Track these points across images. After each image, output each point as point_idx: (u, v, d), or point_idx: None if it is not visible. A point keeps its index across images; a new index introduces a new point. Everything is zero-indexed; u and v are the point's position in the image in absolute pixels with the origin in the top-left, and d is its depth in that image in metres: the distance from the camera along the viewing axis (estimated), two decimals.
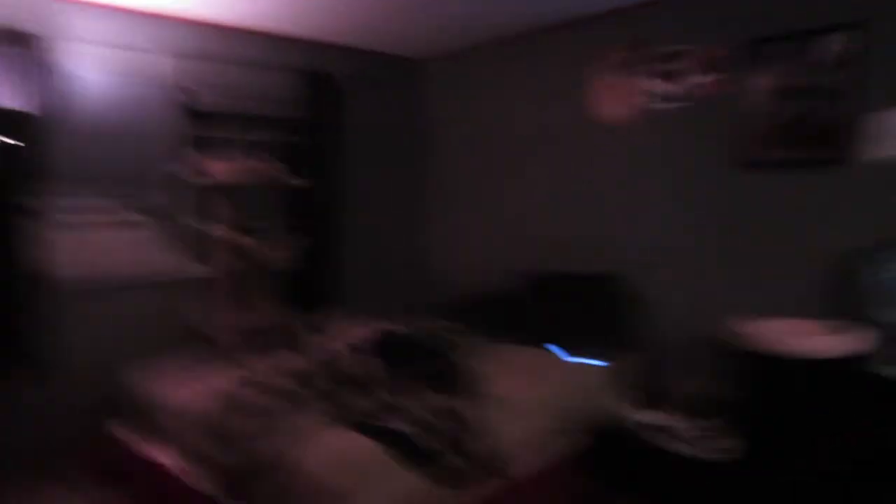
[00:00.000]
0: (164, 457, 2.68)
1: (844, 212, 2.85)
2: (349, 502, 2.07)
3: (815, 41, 2.87)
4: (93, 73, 3.22)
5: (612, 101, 3.53)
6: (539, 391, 2.86)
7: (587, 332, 3.34)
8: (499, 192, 4.18)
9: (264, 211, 3.83)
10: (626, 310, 3.42)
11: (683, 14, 3.26)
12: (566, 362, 3.23)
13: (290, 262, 3.77)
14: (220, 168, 3.58)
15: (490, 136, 4.19)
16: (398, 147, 4.54)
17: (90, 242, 3.25)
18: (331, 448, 2.24)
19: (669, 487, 2.68)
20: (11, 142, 2.94)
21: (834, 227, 2.87)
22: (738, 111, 3.09)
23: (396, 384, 2.67)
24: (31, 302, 3.04)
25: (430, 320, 3.31)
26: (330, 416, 2.44)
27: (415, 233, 4.60)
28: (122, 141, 3.34)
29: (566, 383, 3.00)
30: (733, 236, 3.15)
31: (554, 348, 3.32)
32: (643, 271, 3.42)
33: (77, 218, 3.21)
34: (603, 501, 2.78)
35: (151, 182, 3.44)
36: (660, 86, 3.34)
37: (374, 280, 4.30)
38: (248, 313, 3.58)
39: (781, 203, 3.01)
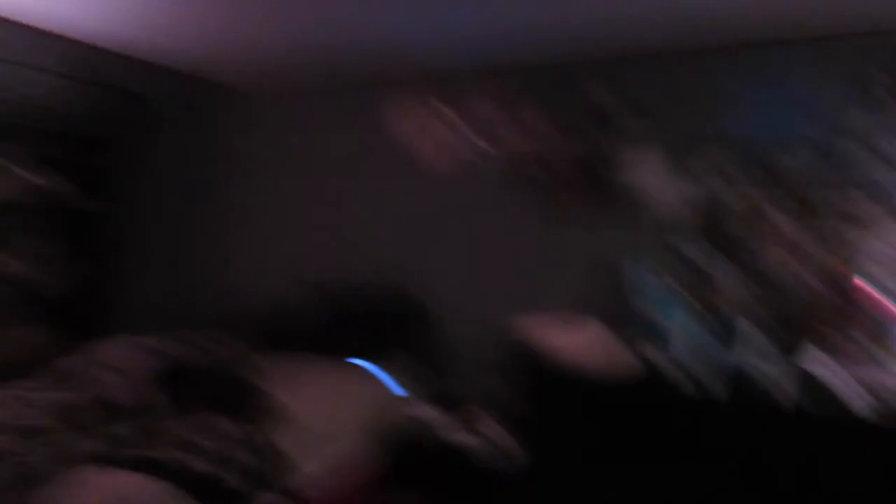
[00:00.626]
0: None
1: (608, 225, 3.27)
2: None
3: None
4: None
5: (429, 145, 3.63)
6: (340, 407, 2.83)
7: (382, 343, 3.43)
8: (301, 217, 4.15)
9: (43, 232, 3.26)
10: (418, 318, 3.57)
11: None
12: (364, 375, 3.23)
13: (65, 286, 3.27)
14: None
15: (301, 175, 4.15)
16: (205, 175, 4.17)
17: None
18: (105, 493, 2.01)
19: (457, 488, 2.85)
20: None
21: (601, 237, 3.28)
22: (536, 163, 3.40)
23: (183, 414, 2.43)
24: None
25: (223, 342, 3.12)
26: (102, 456, 2.15)
27: (213, 256, 4.27)
28: None
29: (366, 396, 3.02)
30: (517, 245, 3.46)
31: (354, 361, 3.33)
32: (432, 280, 3.63)
33: None
34: None
35: None
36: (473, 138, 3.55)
37: (169, 304, 3.90)
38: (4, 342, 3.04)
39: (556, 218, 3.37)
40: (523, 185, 3.40)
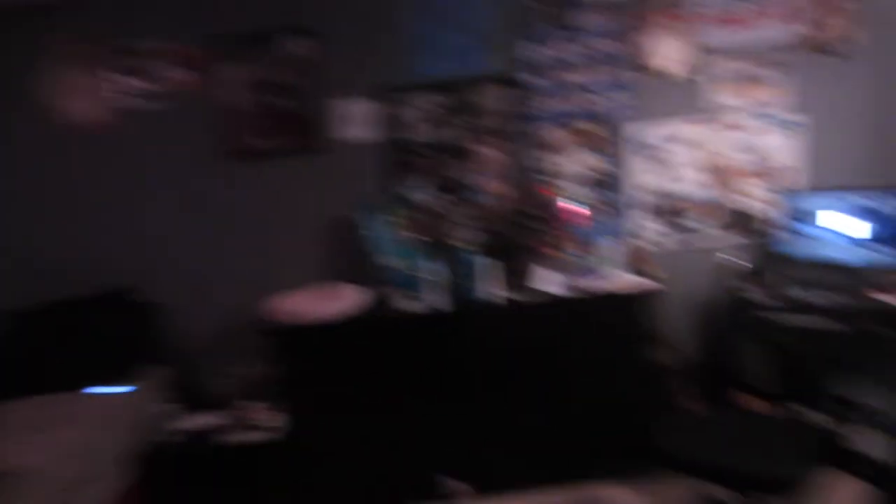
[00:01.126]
0: None
1: (330, 186, 3.26)
2: None
3: (280, 42, 3.18)
4: None
5: (80, 102, 3.20)
6: (89, 444, 2.52)
7: (109, 358, 3.04)
8: None
9: None
10: (147, 321, 3.24)
11: (151, 9, 3.16)
12: (94, 399, 2.88)
13: None
14: None
15: None
16: None
17: None
18: None
19: (227, 481, 2.76)
20: None
21: (326, 200, 3.27)
22: (220, 106, 3.20)
23: None
24: None
25: None
26: None
27: None
28: None
29: (99, 421, 2.72)
30: (242, 223, 3.29)
31: (92, 389, 2.95)
32: (158, 276, 3.30)
33: None
34: None
35: None
36: (135, 84, 3.18)
37: None
38: None
39: (277, 185, 3.27)
40: (225, 147, 3.24)
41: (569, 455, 3.03)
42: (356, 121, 3.23)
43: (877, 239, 2.85)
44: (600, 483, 3.04)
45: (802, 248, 3.07)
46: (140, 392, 2.96)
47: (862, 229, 2.89)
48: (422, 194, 3.23)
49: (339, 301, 2.90)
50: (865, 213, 2.88)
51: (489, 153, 3.24)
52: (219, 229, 3.28)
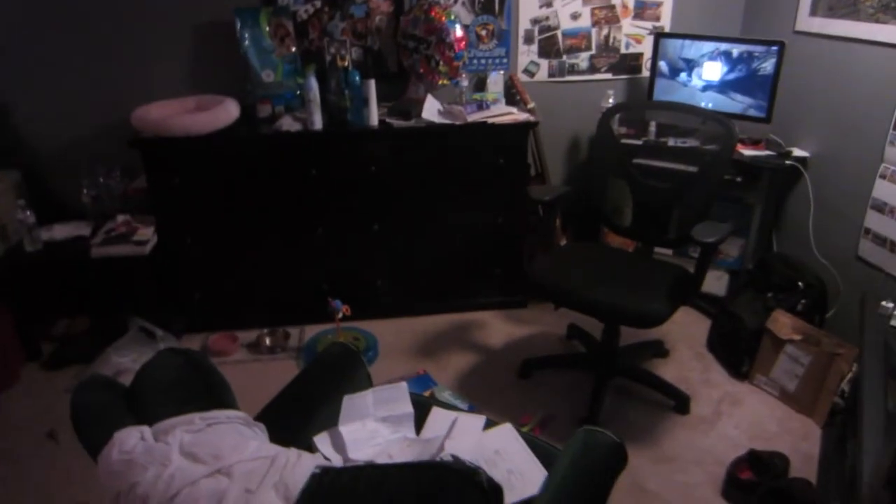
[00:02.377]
0: None
1: None
2: None
3: None
4: None
5: None
6: None
7: None
8: None
9: None
10: None
11: None
12: None
13: None
14: None
15: None
16: None
17: None
18: None
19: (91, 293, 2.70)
20: None
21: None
22: None
23: None
24: None
25: None
26: None
27: None
28: None
29: None
30: (98, 19, 2.95)
31: None
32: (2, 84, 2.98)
33: None
34: None
35: None
36: None
37: None
38: None
39: None
40: None
41: (446, 283, 3.16)
42: None
43: (732, 86, 2.94)
44: (475, 311, 3.22)
45: (670, 91, 3.13)
46: None
47: (719, 75, 2.96)
48: (300, 3, 3.02)
49: (209, 113, 2.76)
50: (726, 61, 2.93)
51: None
52: (72, 23, 2.94)
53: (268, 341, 2.95)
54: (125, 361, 2.68)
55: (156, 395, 1.30)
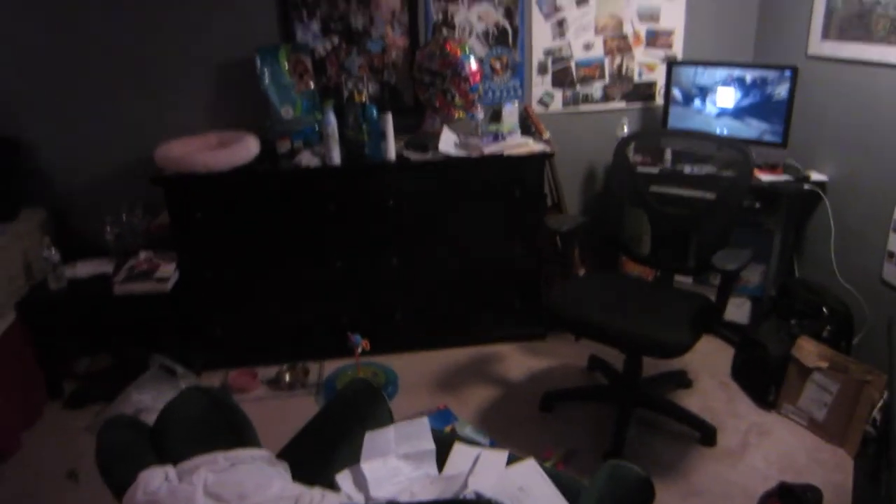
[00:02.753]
0: None
1: (220, 25, 3.03)
2: None
3: None
4: None
5: None
6: None
7: None
8: None
9: None
10: (17, 160, 3.05)
11: None
12: None
13: None
14: None
15: None
16: None
17: None
18: None
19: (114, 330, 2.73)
20: None
21: (216, 40, 3.04)
22: None
23: None
24: None
25: None
26: None
27: None
28: None
29: None
30: (123, 59, 3.02)
31: None
32: (29, 113, 3.04)
33: None
34: None
35: None
36: None
37: None
38: None
39: (159, 19, 2.99)
40: None
41: (465, 315, 3.16)
42: None
43: (747, 111, 2.94)
44: (494, 343, 3.20)
45: (686, 119, 3.14)
46: (16, 234, 2.84)
47: (733, 101, 2.97)
48: (318, 40, 3.08)
49: (230, 150, 2.80)
50: (740, 87, 2.94)
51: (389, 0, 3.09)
52: (96, 65, 3.02)
53: (287, 377, 2.94)
54: (145, 399, 2.69)
55: (180, 433, 1.30)
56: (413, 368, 3.02)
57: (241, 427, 1.42)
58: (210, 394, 1.45)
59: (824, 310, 2.65)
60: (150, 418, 1.38)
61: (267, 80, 2.95)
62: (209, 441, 1.29)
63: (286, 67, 2.98)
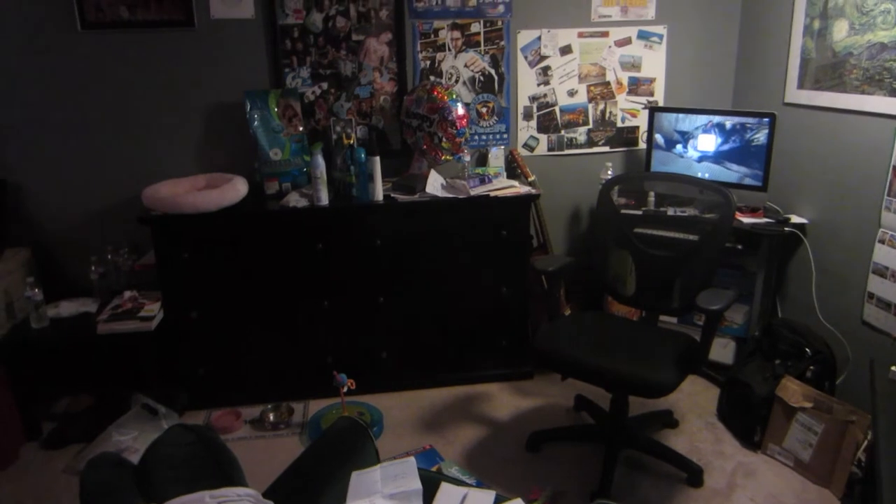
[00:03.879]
0: None
1: (208, 68, 3.09)
2: None
3: None
4: None
5: None
6: None
7: None
8: None
9: None
10: (1, 207, 3.05)
11: None
12: None
13: None
14: None
15: None
16: None
17: None
18: None
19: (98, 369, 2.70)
20: None
21: (205, 84, 3.10)
22: None
23: None
24: None
25: None
26: None
27: None
28: None
29: None
30: (110, 102, 3.07)
31: None
32: (15, 155, 3.05)
33: None
34: None
35: None
36: None
37: None
38: None
39: (148, 63, 3.05)
40: (83, 16, 2.85)
41: (451, 355, 3.15)
42: None
43: (727, 156, 3.02)
44: (481, 383, 3.19)
45: (666, 162, 3.21)
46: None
47: (714, 146, 3.05)
48: (308, 85, 3.14)
49: (218, 191, 2.82)
50: (720, 132, 3.03)
51: (377, 47, 3.17)
52: (85, 107, 3.05)
53: (271, 417, 2.91)
54: (126, 440, 2.64)
55: (165, 472, 1.29)
56: (399, 408, 2.99)
57: (229, 466, 1.40)
58: (196, 431, 1.43)
59: (807, 350, 2.68)
60: (132, 458, 1.36)
61: (256, 124, 2.99)
62: (196, 480, 1.28)
63: (275, 111, 3.03)
